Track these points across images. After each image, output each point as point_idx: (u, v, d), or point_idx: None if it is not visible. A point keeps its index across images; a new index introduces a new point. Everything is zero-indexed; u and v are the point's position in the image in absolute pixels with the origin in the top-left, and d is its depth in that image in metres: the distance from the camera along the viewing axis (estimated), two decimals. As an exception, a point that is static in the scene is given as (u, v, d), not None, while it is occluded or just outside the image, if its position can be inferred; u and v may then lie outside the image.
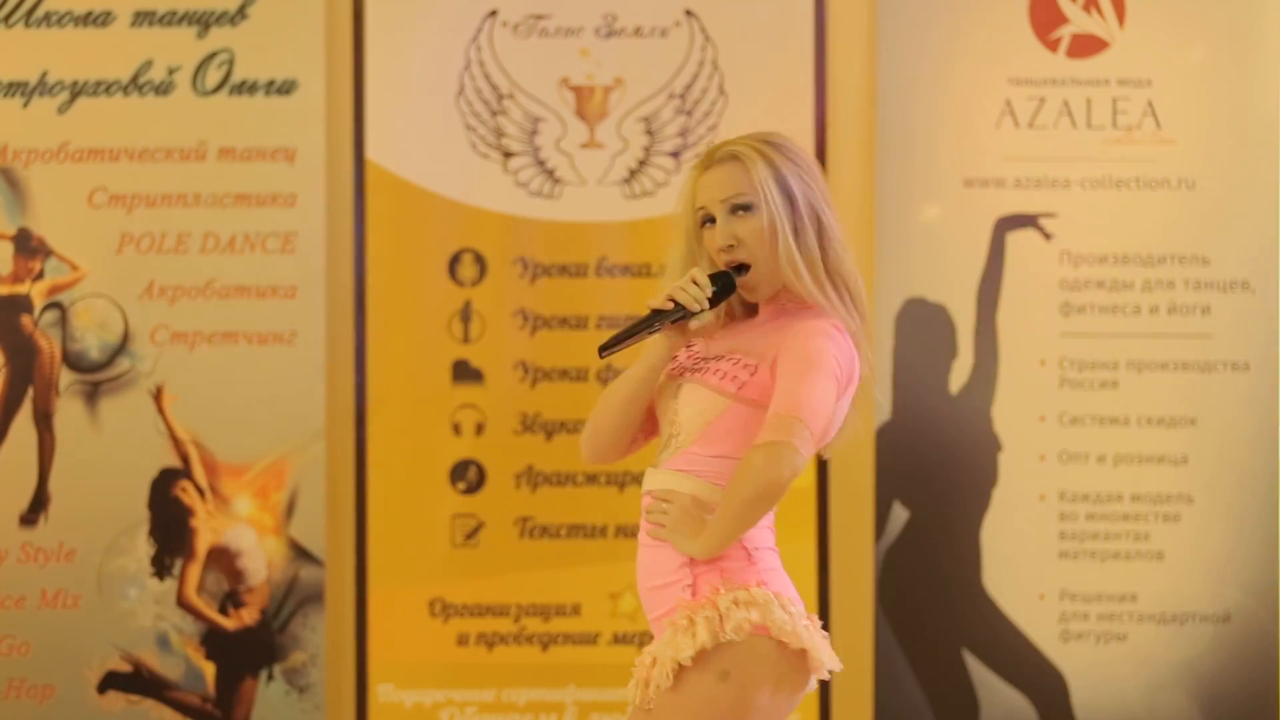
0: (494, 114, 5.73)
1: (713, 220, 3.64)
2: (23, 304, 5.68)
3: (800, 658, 3.51)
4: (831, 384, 3.53)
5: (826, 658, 3.53)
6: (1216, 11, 5.71)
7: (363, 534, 5.70)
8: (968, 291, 5.70)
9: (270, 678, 5.67)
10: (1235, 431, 5.70)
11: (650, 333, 3.60)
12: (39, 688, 5.66)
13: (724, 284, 3.61)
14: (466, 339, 5.73)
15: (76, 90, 5.69)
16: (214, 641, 5.68)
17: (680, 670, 3.48)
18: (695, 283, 3.58)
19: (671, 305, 3.57)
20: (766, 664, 3.48)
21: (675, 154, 5.73)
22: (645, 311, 3.61)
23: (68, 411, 5.67)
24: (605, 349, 3.61)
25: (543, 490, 5.72)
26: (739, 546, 3.53)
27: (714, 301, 3.60)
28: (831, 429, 3.61)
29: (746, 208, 3.60)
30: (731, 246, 3.61)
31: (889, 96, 5.70)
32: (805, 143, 5.63)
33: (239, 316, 5.67)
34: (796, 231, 3.61)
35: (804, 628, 3.51)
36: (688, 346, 3.70)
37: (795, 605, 3.53)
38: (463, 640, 5.71)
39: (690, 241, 3.70)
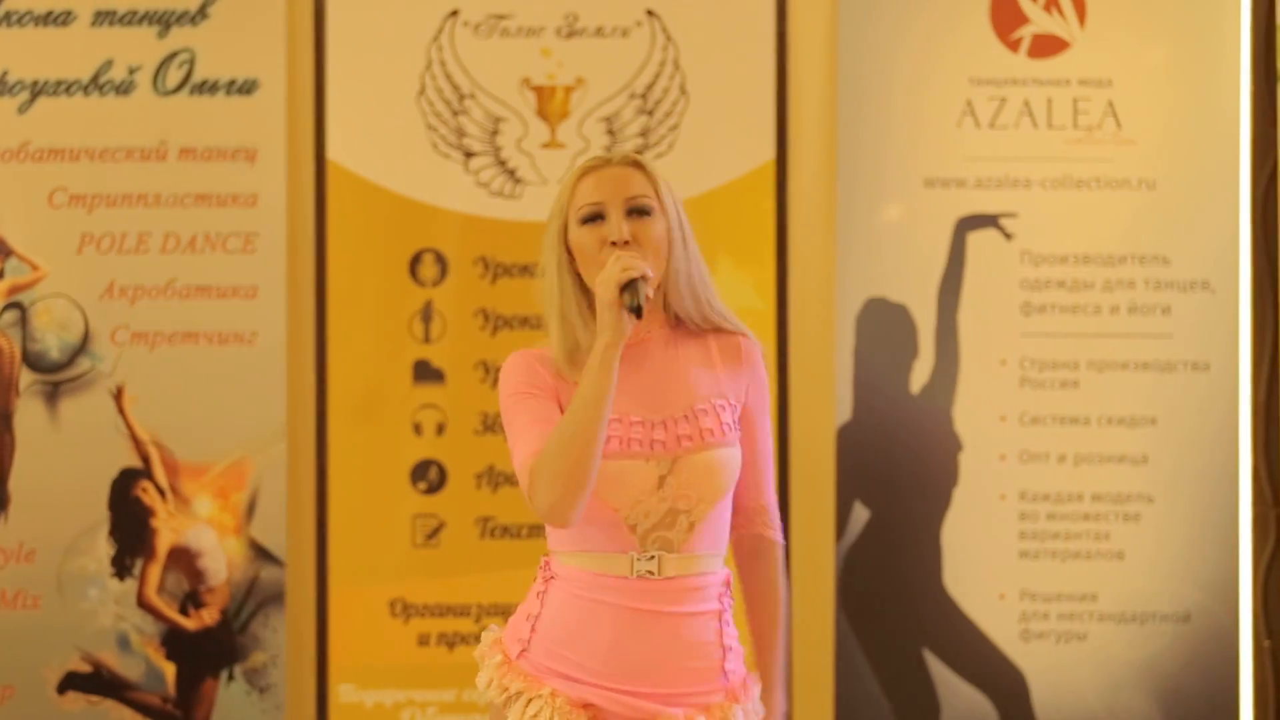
0: (455, 114, 5.72)
1: (599, 218, 3.43)
2: (-17, 304, 5.68)
3: None
4: None
5: None
6: (1177, 12, 5.72)
7: (323, 534, 5.70)
8: (929, 291, 5.71)
9: (231, 678, 5.67)
10: (1195, 431, 5.71)
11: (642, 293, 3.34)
12: (-1, 688, 5.67)
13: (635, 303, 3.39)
14: (427, 339, 5.72)
15: (37, 90, 5.68)
16: (174, 642, 5.67)
17: None
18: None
19: (634, 273, 3.32)
20: None
21: (637, 153, 5.73)
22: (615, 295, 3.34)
23: (27, 411, 5.66)
24: (639, 308, 3.32)
25: (504, 490, 5.72)
26: (734, 635, 3.55)
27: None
28: None
29: (646, 211, 3.43)
30: (627, 243, 3.40)
31: (850, 97, 5.71)
32: (766, 142, 5.66)
33: (200, 317, 5.67)
34: (686, 246, 3.48)
35: None
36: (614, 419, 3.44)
37: None
38: (424, 640, 5.71)
39: (558, 251, 3.47)
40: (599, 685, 3.44)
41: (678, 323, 3.52)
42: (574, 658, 3.45)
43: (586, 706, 3.44)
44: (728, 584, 3.52)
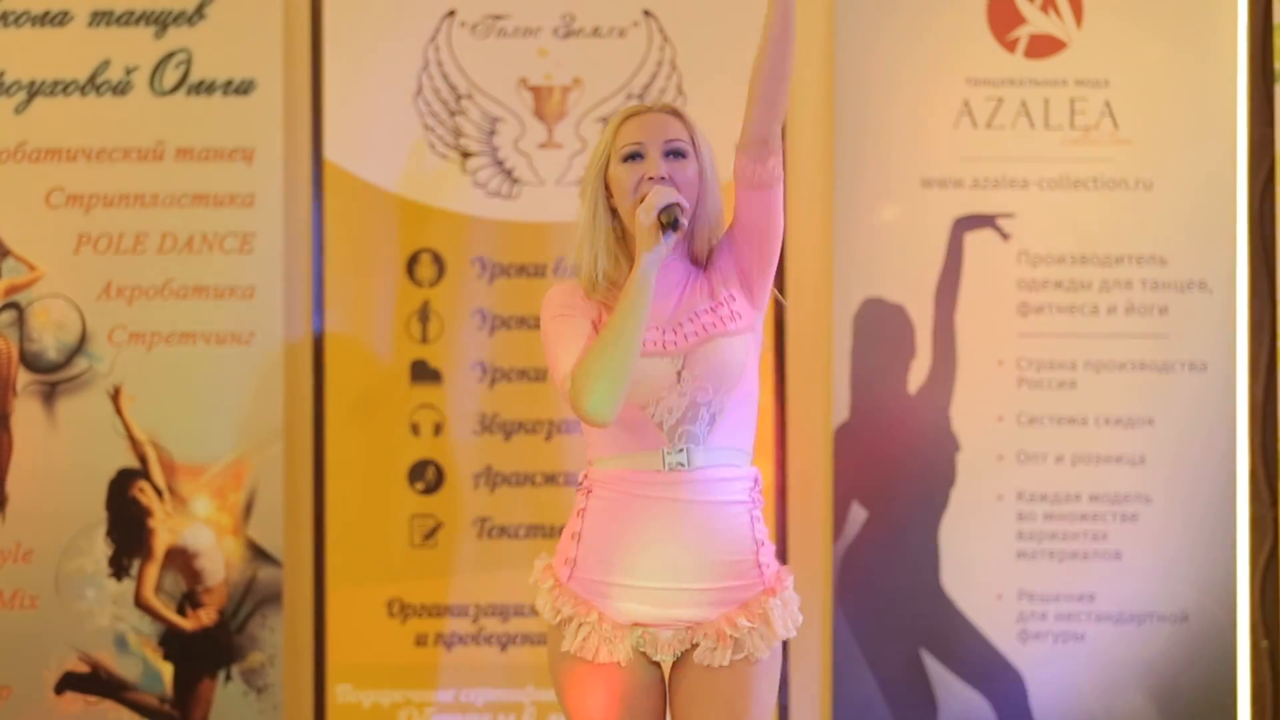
0: (452, 114, 5.72)
1: (639, 157, 3.75)
2: (-20, 304, 5.68)
3: None
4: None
5: None
6: (1173, 12, 5.72)
7: (321, 534, 5.70)
8: (926, 292, 5.71)
9: (228, 678, 5.66)
10: (1193, 431, 5.71)
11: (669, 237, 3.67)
12: (-4, 689, 5.67)
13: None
14: (425, 339, 5.72)
15: (34, 90, 5.68)
16: (172, 642, 5.67)
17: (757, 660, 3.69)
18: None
19: (673, 207, 3.66)
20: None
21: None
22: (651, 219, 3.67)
23: (25, 412, 5.66)
24: (677, 224, 3.66)
25: (501, 490, 5.72)
26: (766, 532, 3.77)
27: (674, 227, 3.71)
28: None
29: (682, 154, 3.76)
30: (663, 179, 3.71)
31: (847, 97, 5.71)
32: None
33: (197, 317, 5.67)
34: (710, 192, 3.79)
35: None
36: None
37: None
38: (421, 640, 5.71)
39: (595, 187, 3.81)
40: (644, 589, 3.68)
41: (693, 259, 3.81)
42: (618, 562, 3.70)
43: (634, 626, 3.71)
44: (757, 482, 3.77)
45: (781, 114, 3.69)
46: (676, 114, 3.81)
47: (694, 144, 3.78)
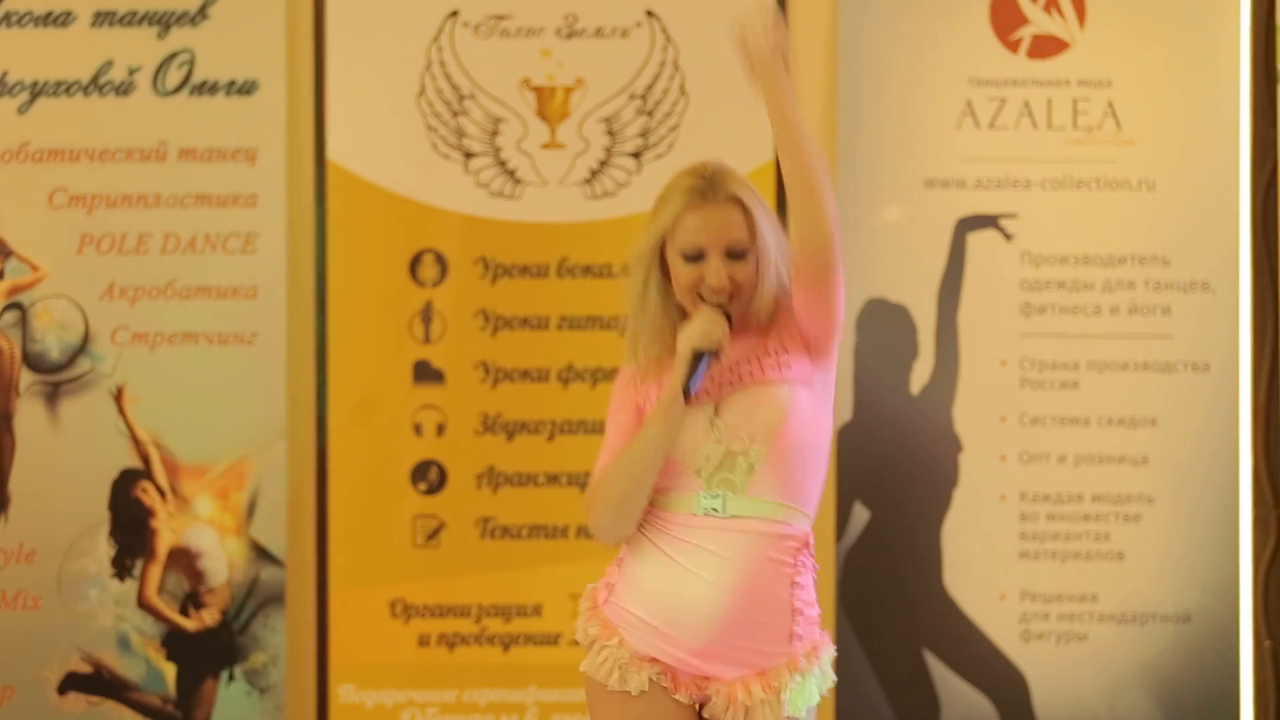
0: (455, 114, 5.72)
1: (699, 257, 3.69)
2: (-17, 305, 5.69)
3: None
4: None
5: None
6: (1177, 12, 5.72)
7: (324, 535, 5.70)
8: (929, 292, 5.71)
9: (231, 679, 5.67)
10: (1196, 432, 5.71)
11: (700, 373, 3.62)
12: (-1, 689, 5.67)
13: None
14: (427, 339, 5.72)
15: (37, 90, 5.68)
16: (175, 642, 5.67)
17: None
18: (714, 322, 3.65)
19: (711, 343, 3.61)
20: None
21: (636, 154, 5.73)
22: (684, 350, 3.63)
23: (28, 412, 5.66)
24: (687, 393, 3.61)
25: (504, 491, 5.72)
26: (812, 584, 3.68)
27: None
28: None
29: (742, 255, 3.68)
30: (724, 289, 3.66)
31: (850, 97, 5.71)
32: (765, 143, 5.65)
33: (200, 317, 5.67)
34: (773, 266, 3.71)
35: None
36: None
37: None
38: (424, 641, 5.71)
39: (650, 264, 3.74)
40: (668, 630, 3.62)
41: (745, 319, 3.73)
42: (647, 599, 3.65)
43: (652, 661, 3.64)
44: (808, 546, 3.67)
45: (829, 206, 3.61)
46: (740, 204, 3.71)
47: (754, 235, 3.69)
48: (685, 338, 3.61)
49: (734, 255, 3.68)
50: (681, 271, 3.69)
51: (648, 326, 3.74)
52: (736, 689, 3.61)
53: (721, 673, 3.64)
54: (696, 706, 3.68)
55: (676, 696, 3.65)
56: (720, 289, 3.66)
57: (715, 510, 3.61)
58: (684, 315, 3.72)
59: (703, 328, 3.60)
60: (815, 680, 3.66)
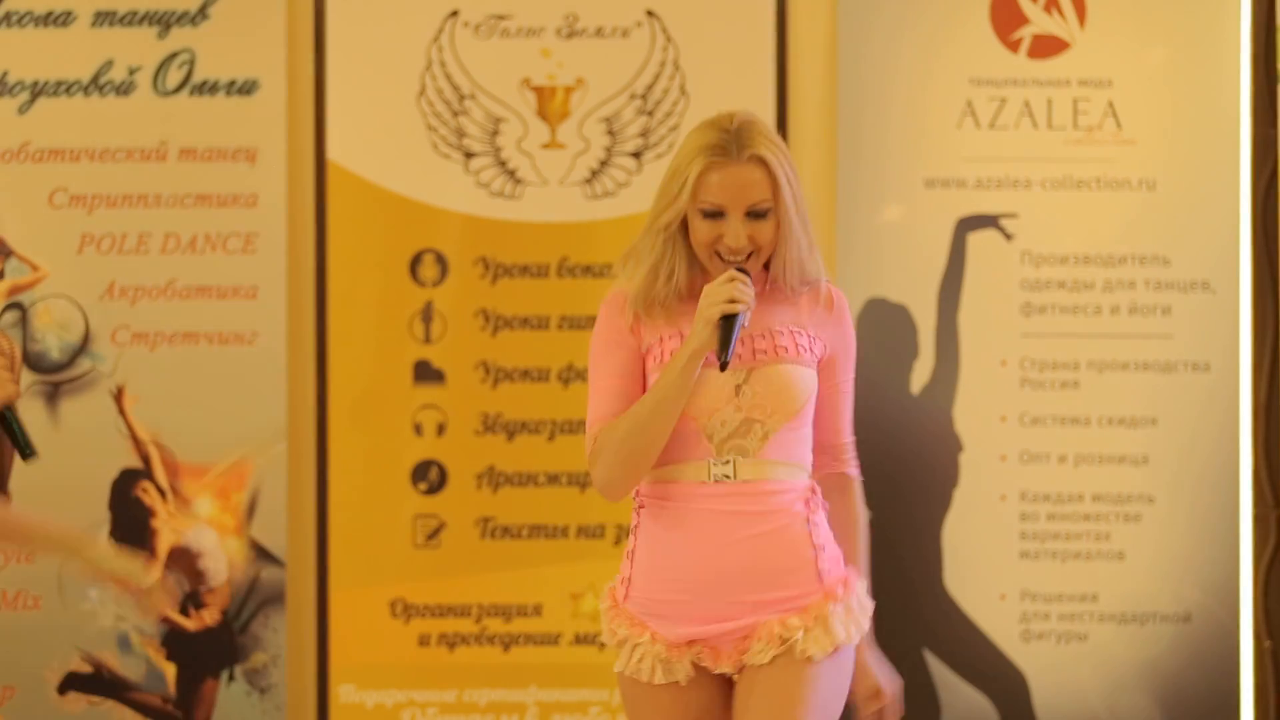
0: (455, 114, 5.72)
1: (719, 214, 3.58)
2: (-17, 304, 5.69)
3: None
4: None
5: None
6: (1177, 12, 5.72)
7: (324, 535, 5.70)
8: (929, 292, 5.71)
9: (231, 678, 5.67)
10: (1196, 432, 5.71)
11: (734, 339, 3.54)
12: (-1, 689, 5.67)
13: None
14: (428, 339, 5.72)
15: (37, 90, 5.68)
16: (175, 642, 5.67)
17: (815, 662, 3.59)
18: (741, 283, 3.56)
19: (739, 307, 3.51)
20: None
21: (636, 154, 5.74)
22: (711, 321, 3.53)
23: (28, 412, 5.63)
24: (726, 363, 3.53)
25: (504, 491, 5.72)
26: (824, 522, 3.65)
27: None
28: None
29: (764, 214, 3.58)
30: (743, 248, 3.57)
31: (850, 97, 5.71)
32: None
33: (200, 317, 5.67)
34: (805, 229, 3.63)
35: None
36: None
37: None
38: (424, 641, 5.71)
39: (670, 215, 3.62)
40: (695, 603, 3.59)
41: (774, 283, 3.66)
42: (670, 577, 3.60)
43: (691, 644, 3.61)
44: (816, 492, 3.65)
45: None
46: (763, 163, 3.59)
47: (776, 192, 3.58)
48: (711, 303, 3.51)
49: (755, 214, 3.58)
50: (700, 228, 3.59)
51: (658, 269, 3.63)
52: (774, 625, 3.57)
53: (765, 618, 3.59)
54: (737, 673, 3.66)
55: (718, 670, 3.62)
56: (738, 249, 3.58)
57: (727, 477, 3.58)
58: (698, 266, 3.64)
59: (729, 293, 3.50)
60: (856, 606, 3.66)
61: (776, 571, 3.59)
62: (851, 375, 3.72)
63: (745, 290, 3.51)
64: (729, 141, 3.60)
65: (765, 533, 3.58)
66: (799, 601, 3.59)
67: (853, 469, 3.73)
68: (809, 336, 3.62)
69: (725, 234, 3.58)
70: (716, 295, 3.51)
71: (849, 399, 3.72)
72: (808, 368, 3.61)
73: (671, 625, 3.61)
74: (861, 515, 3.73)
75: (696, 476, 3.59)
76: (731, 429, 3.59)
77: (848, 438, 3.72)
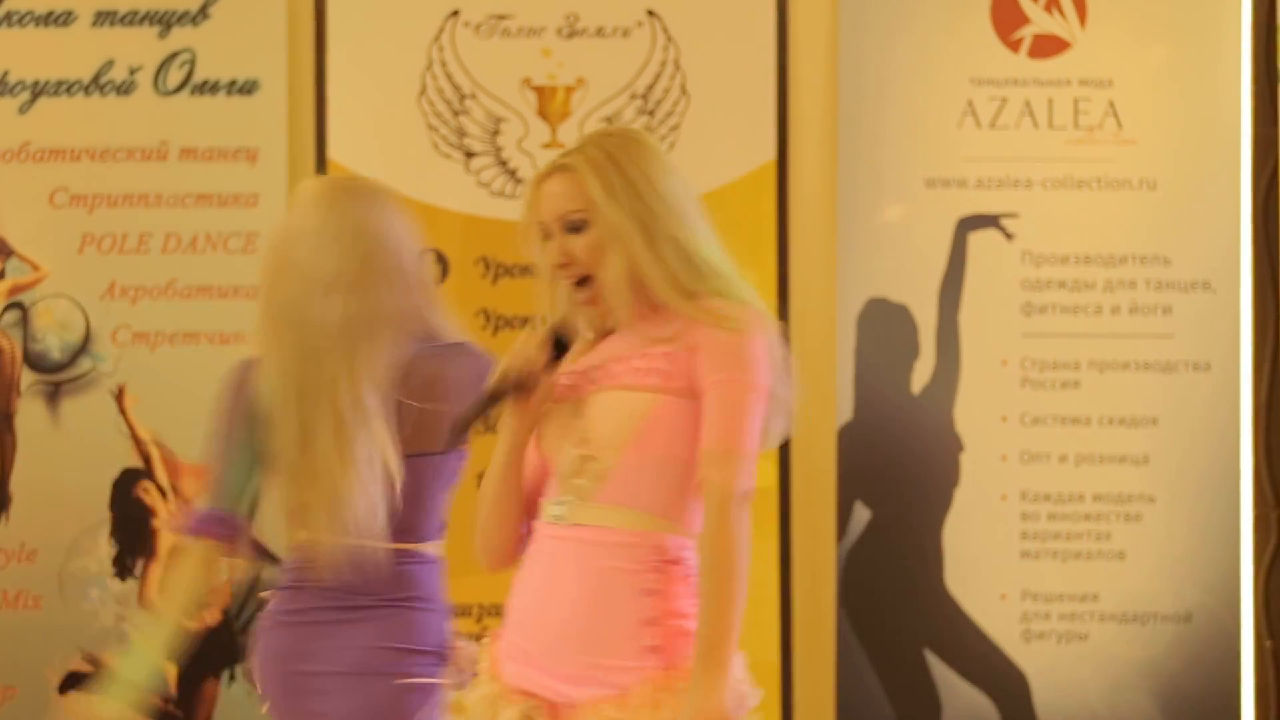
0: (456, 114, 5.73)
1: (549, 236, 3.39)
2: (-16, 304, 5.69)
3: None
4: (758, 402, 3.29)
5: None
6: (1178, 12, 5.72)
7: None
8: (929, 291, 5.71)
9: (232, 678, 5.67)
10: (1197, 431, 5.71)
11: (491, 410, 3.33)
12: (0, 688, 5.66)
13: (562, 345, 3.37)
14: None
15: (37, 90, 5.68)
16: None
17: None
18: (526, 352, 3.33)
19: (507, 382, 3.30)
20: None
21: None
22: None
23: (29, 412, 5.66)
24: (452, 438, 3.43)
25: (505, 490, 5.71)
26: (689, 597, 3.24)
27: (556, 359, 3.36)
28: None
29: (580, 226, 3.33)
30: (565, 264, 3.35)
31: (850, 97, 5.71)
32: (766, 143, 5.66)
33: (201, 317, 5.67)
34: (650, 239, 3.30)
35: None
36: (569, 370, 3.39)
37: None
38: (425, 640, 5.70)
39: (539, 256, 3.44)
40: (533, 651, 3.29)
41: (656, 308, 3.35)
42: (513, 620, 3.36)
43: (526, 694, 3.32)
44: (679, 561, 3.26)
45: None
46: (567, 169, 3.37)
47: (591, 202, 3.32)
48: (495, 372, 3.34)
49: (572, 228, 3.34)
50: (540, 261, 3.40)
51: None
52: (588, 713, 3.22)
53: (574, 694, 3.26)
54: None
55: None
56: (557, 266, 3.33)
57: (560, 518, 3.28)
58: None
59: (504, 362, 3.33)
60: (713, 694, 3.15)
61: (595, 638, 3.24)
62: (724, 376, 3.24)
63: (518, 366, 3.30)
64: (550, 162, 3.44)
65: (588, 597, 3.24)
66: (623, 679, 3.22)
67: (720, 475, 3.20)
68: (645, 358, 3.28)
69: (548, 254, 3.38)
70: (503, 360, 3.34)
71: (734, 408, 3.23)
72: (639, 393, 3.26)
73: (513, 669, 3.34)
74: (724, 543, 3.17)
75: (544, 516, 3.34)
76: (572, 466, 3.30)
77: (723, 445, 3.22)
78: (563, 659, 3.27)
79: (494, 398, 3.33)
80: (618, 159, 3.33)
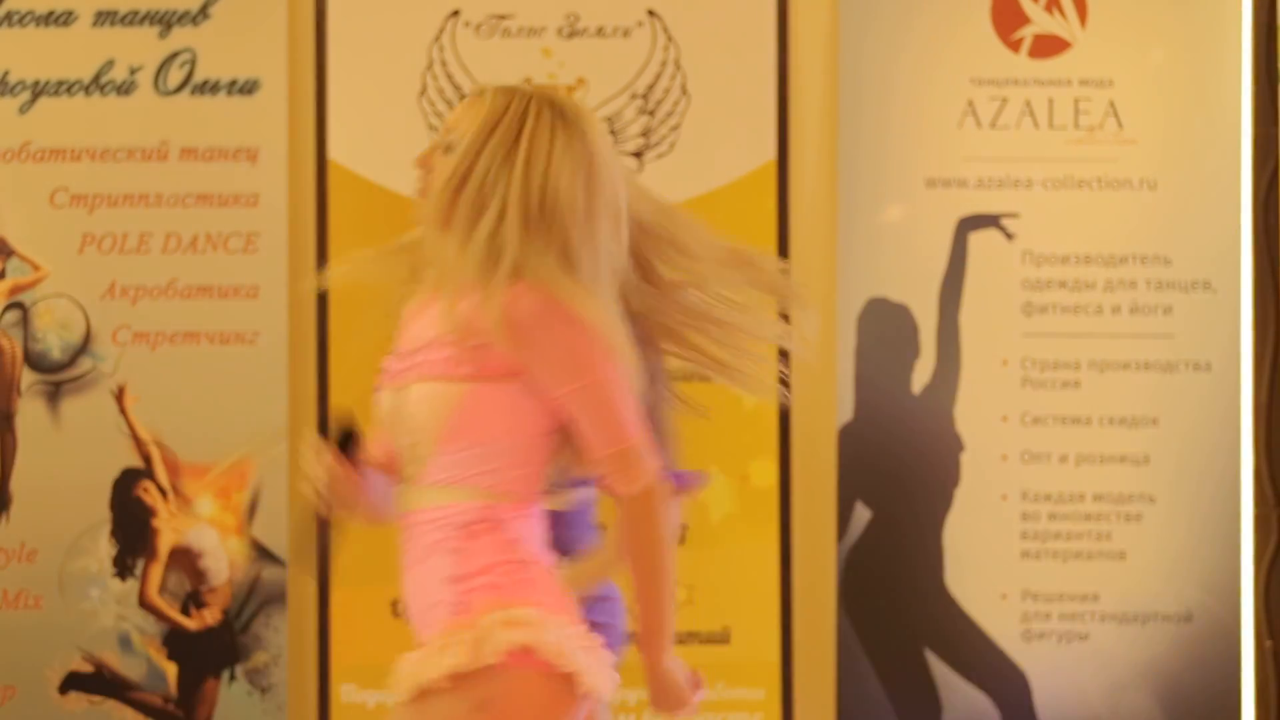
0: (456, 114, 5.72)
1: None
2: (-16, 304, 5.69)
3: (568, 682, 3.10)
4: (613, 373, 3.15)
5: (601, 680, 3.14)
6: (1177, 12, 5.72)
7: (325, 534, 5.68)
8: (930, 291, 5.71)
9: (232, 678, 5.66)
10: (1197, 431, 5.71)
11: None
12: (0, 688, 5.66)
13: (350, 440, 3.29)
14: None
15: (38, 90, 5.68)
16: (176, 642, 5.67)
17: (432, 694, 3.10)
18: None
19: (323, 505, 3.29)
20: (530, 691, 3.08)
21: (638, 154, 5.74)
22: None
23: (29, 412, 5.66)
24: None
25: (505, 490, 5.71)
26: (511, 561, 3.15)
27: (351, 453, 3.28)
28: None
29: (448, 148, 3.22)
30: (419, 165, 3.31)
31: (851, 97, 5.71)
32: (767, 142, 5.66)
33: (201, 316, 5.66)
34: (477, 200, 3.18)
35: (577, 649, 3.12)
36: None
37: (572, 625, 3.15)
38: (425, 640, 5.70)
39: None
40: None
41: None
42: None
43: None
44: (484, 520, 3.16)
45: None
46: (480, 94, 3.26)
47: (467, 131, 3.20)
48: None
49: (446, 148, 3.22)
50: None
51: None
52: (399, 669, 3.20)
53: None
54: None
55: None
56: (417, 163, 3.28)
57: (403, 506, 3.25)
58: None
59: (307, 487, 3.30)
60: (490, 626, 3.09)
61: (423, 610, 3.22)
62: (574, 385, 3.12)
63: (322, 481, 3.27)
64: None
65: (419, 568, 3.22)
66: (427, 635, 3.19)
67: (623, 482, 3.14)
68: (458, 346, 3.16)
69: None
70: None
71: (601, 408, 3.13)
72: (443, 382, 3.16)
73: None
74: (643, 538, 3.14)
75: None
76: (406, 454, 3.22)
77: (612, 448, 3.13)
78: (420, 638, 3.22)
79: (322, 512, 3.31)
80: (502, 113, 3.19)
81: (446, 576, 3.17)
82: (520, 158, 3.17)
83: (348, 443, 3.30)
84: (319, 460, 3.27)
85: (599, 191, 3.19)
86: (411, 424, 3.20)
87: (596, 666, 3.14)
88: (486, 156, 3.18)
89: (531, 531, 3.21)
